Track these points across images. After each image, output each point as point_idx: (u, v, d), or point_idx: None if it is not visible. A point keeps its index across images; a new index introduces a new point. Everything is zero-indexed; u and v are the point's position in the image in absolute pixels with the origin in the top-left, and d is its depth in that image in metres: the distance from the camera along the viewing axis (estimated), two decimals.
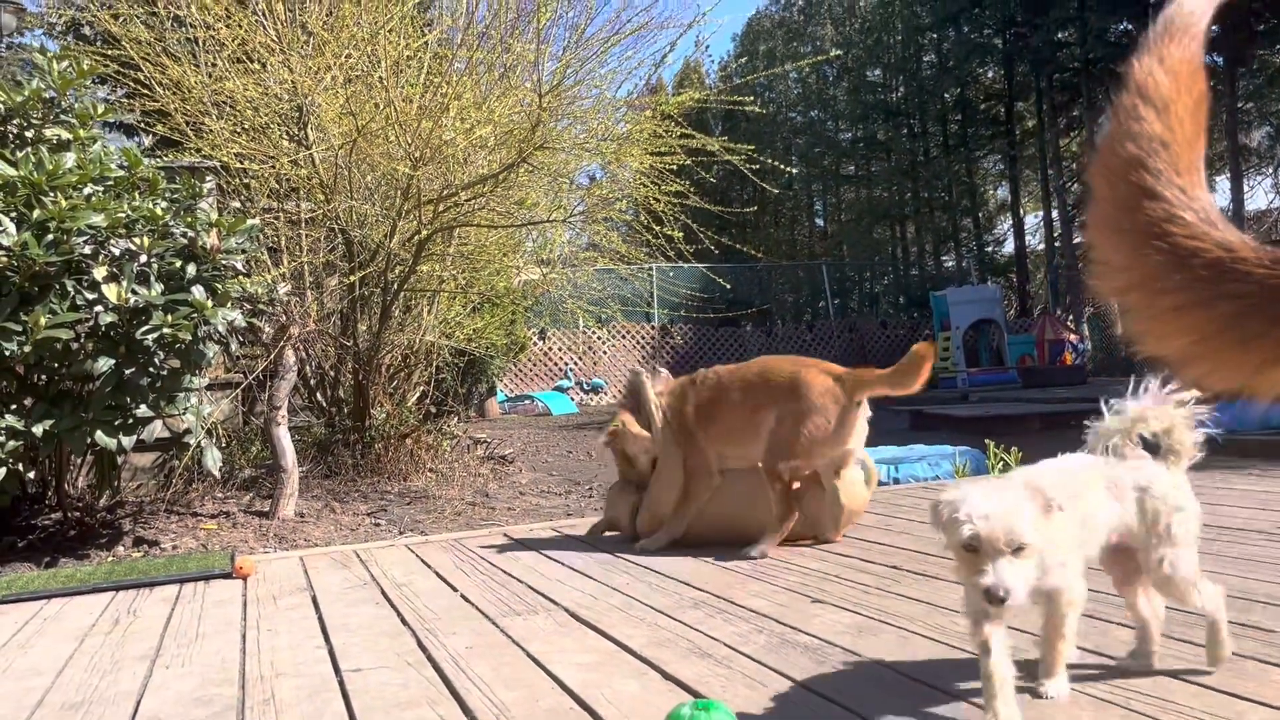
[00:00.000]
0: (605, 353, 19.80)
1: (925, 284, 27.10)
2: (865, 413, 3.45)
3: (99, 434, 4.00)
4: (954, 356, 18.31)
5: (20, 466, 3.94)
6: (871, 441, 8.32)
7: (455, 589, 3.10)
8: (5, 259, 3.80)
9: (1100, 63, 21.78)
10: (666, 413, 3.71)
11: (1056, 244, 25.54)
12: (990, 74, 28.22)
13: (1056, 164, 24.69)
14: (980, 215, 30.61)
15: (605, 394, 18.99)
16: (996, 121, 27.87)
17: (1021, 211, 28.07)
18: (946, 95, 28.76)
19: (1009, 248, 29.78)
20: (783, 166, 7.64)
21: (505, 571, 3.35)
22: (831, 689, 1.93)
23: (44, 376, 4.14)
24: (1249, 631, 2.18)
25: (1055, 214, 25.37)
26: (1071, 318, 21.94)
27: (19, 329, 3.77)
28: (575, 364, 19.51)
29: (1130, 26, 20.99)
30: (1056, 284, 25.00)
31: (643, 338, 20.06)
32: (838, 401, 3.35)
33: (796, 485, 3.50)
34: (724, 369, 3.75)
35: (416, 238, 6.02)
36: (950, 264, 30.88)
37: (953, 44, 27.30)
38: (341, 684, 2.16)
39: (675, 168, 6.65)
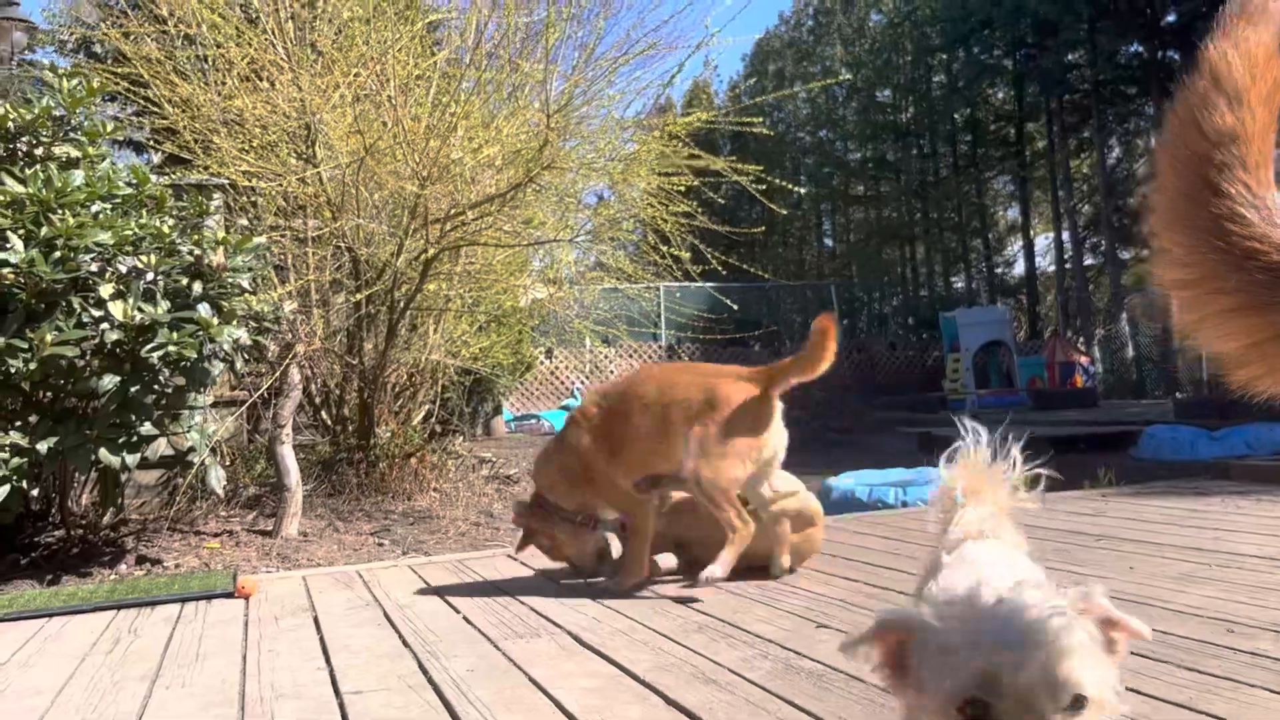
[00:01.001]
0: (613, 372, 19.79)
1: (934, 305, 27.08)
2: (779, 408, 3.26)
3: (103, 452, 3.99)
4: (963, 378, 18.26)
5: (24, 484, 3.93)
6: (880, 463, 8.31)
7: (457, 610, 3.08)
8: (12, 276, 3.81)
9: (1110, 85, 21.82)
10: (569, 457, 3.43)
11: (1067, 265, 25.50)
12: (1000, 95, 28.29)
13: (1067, 185, 24.69)
14: (990, 236, 30.62)
15: None
16: (1006, 142, 27.91)
17: (1032, 233, 28.07)
18: (956, 116, 28.81)
19: (1019, 269, 29.77)
20: (790, 186, 7.63)
21: (508, 593, 3.33)
22: (834, 715, 1.90)
23: (49, 394, 4.13)
24: (1257, 660, 2.14)
25: (1066, 235, 25.35)
26: (1082, 340, 21.88)
27: (25, 346, 3.77)
28: (582, 383, 19.49)
29: (1140, 49, 21.03)
30: (1067, 306, 24.95)
31: (649, 357, 20.04)
32: (757, 405, 3.18)
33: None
34: (610, 393, 3.48)
35: (423, 256, 6.02)
36: (960, 285, 30.86)
37: (962, 65, 27.36)
38: (341, 706, 2.13)
39: (683, 188, 6.65)
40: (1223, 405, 10.40)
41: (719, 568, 3.03)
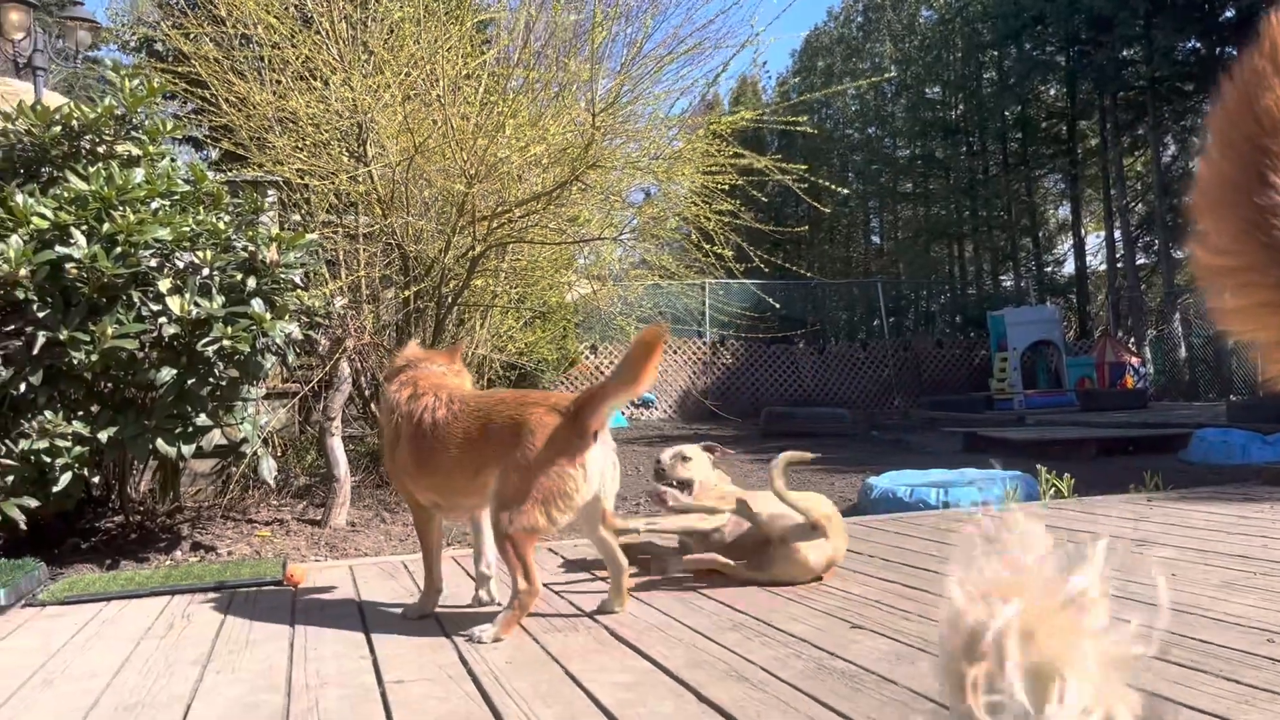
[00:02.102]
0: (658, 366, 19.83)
1: (982, 304, 26.75)
2: (608, 443, 2.85)
3: (160, 441, 4.12)
4: (1010, 378, 18.05)
5: (85, 471, 4.07)
6: (923, 464, 8.25)
7: (499, 603, 3.15)
8: (76, 270, 3.94)
9: (1167, 81, 21.40)
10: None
11: (1119, 265, 25.08)
12: (1052, 92, 27.84)
13: (1120, 184, 24.26)
14: (1040, 235, 30.17)
15: (655, 409, 19.01)
16: (1058, 140, 27.48)
17: (1083, 232, 27.62)
18: (1007, 113, 28.39)
19: (1069, 268, 29.32)
20: (834, 186, 7.62)
21: (548, 586, 3.39)
22: (865, 717, 1.94)
23: (110, 385, 4.27)
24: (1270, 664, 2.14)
25: (1118, 234, 24.92)
26: (1133, 340, 21.52)
27: (87, 338, 3.91)
28: None
29: (1197, 45, 20.61)
30: (1118, 305, 24.55)
31: (693, 354, 20.07)
32: (569, 442, 2.73)
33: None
34: (448, 399, 2.98)
35: (470, 253, 6.11)
36: (1008, 284, 30.44)
37: (1014, 61, 26.96)
38: (384, 695, 2.21)
39: (726, 186, 6.68)
40: (1279, 408, 10.20)
41: (493, 629, 2.68)
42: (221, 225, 4.34)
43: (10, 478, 3.92)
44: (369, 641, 2.71)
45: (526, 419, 2.77)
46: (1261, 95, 0.82)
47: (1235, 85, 0.85)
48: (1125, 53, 22.67)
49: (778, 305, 9.33)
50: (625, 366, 2.79)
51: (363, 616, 3.04)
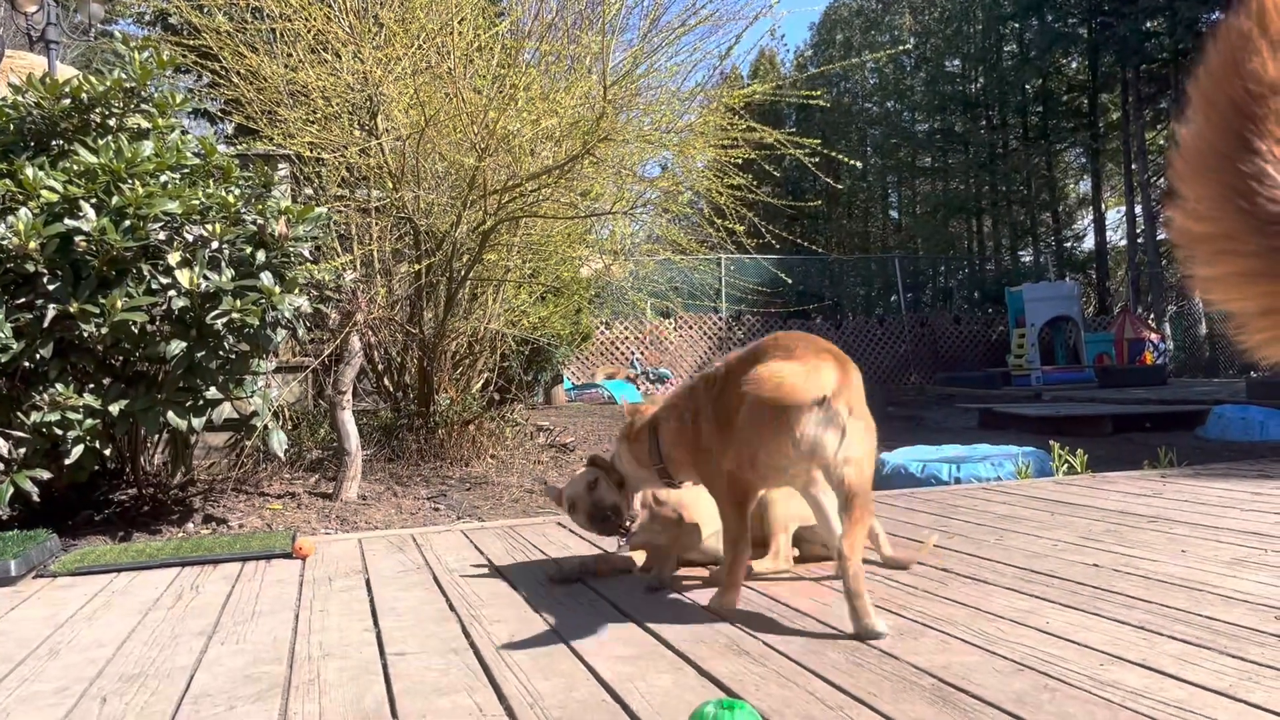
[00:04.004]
0: (672, 342, 19.83)
1: (1001, 279, 26.59)
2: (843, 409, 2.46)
3: (171, 414, 4.14)
4: (1028, 354, 17.95)
5: (98, 444, 4.10)
6: (937, 439, 8.21)
7: (504, 576, 3.15)
8: (85, 244, 3.95)
9: (1190, 53, 21.09)
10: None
11: (1139, 240, 24.84)
12: (1074, 64, 27.52)
13: (1141, 158, 23.99)
14: (1060, 210, 29.93)
15: (671, 383, 19.02)
16: (1079, 113, 27.19)
17: (1103, 206, 27.37)
18: (1027, 86, 28.12)
19: (1089, 243, 29.06)
20: (849, 161, 7.55)
21: (555, 560, 3.39)
22: (864, 692, 1.93)
23: (120, 358, 4.29)
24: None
25: (1139, 209, 24.67)
26: (1153, 316, 21.34)
27: (97, 311, 3.92)
28: (641, 354, 19.56)
29: (1222, 16, 20.30)
30: (1138, 281, 24.33)
31: (709, 328, 20.03)
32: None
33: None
34: (733, 358, 2.73)
35: (482, 227, 6.10)
36: (1027, 259, 30.24)
37: (1035, 33, 26.66)
38: (385, 668, 2.21)
39: (739, 161, 6.63)
40: None
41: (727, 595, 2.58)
42: (231, 199, 4.34)
43: (23, 450, 3.95)
44: (374, 614, 2.72)
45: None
46: (1247, 58, 0.81)
47: (1220, 48, 0.83)
48: (1148, 24, 22.37)
49: (792, 281, 9.31)
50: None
51: (370, 590, 3.05)
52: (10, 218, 3.88)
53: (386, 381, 7.07)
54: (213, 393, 4.32)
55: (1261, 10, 0.81)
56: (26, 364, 3.97)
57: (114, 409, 4.03)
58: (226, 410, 4.42)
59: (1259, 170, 0.81)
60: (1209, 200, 0.85)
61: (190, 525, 4.64)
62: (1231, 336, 0.88)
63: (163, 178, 4.35)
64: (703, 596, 2.75)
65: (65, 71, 7.44)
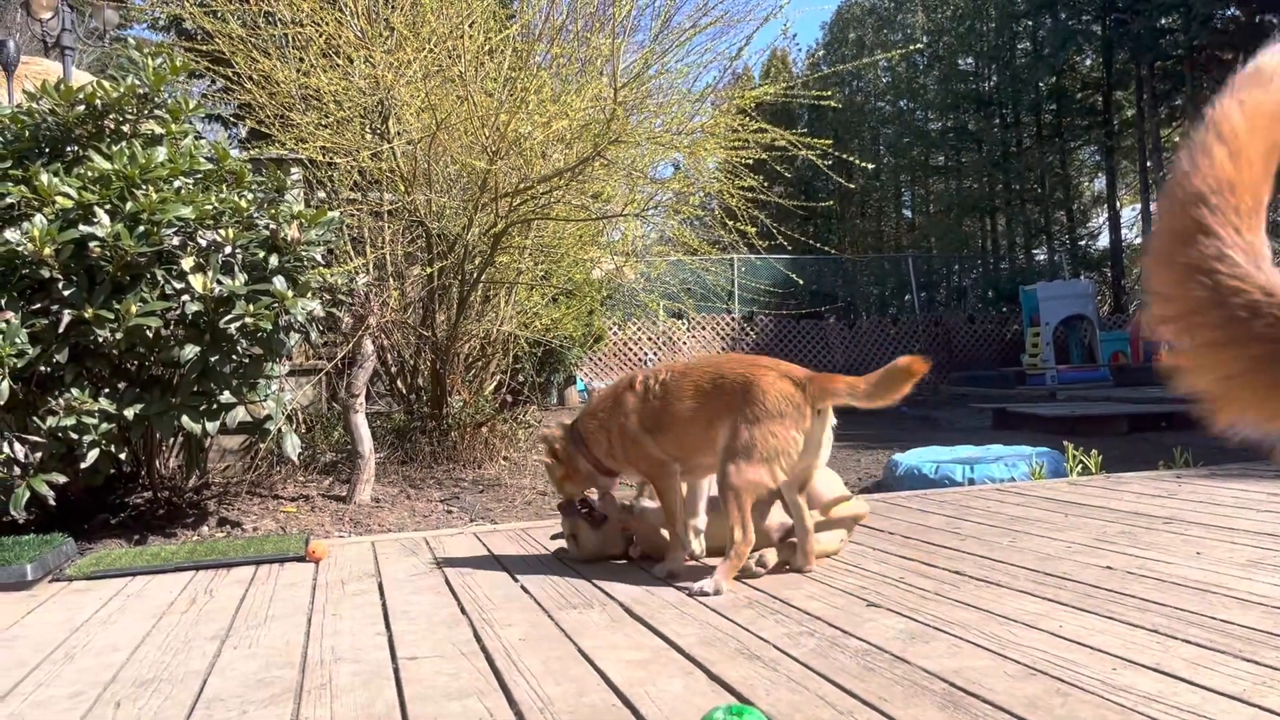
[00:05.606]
0: (685, 343, 19.81)
1: (1015, 278, 26.41)
2: (830, 423, 3.04)
3: (185, 418, 4.17)
4: (1043, 353, 17.85)
5: (113, 448, 4.13)
6: (950, 440, 8.18)
7: (516, 579, 3.16)
8: (99, 249, 3.98)
9: (1205, 50, 20.97)
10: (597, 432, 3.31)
11: None
12: (1088, 62, 27.34)
13: (1156, 155, 23.83)
14: (1074, 208, 29.73)
15: None
16: (1093, 111, 27.01)
17: (1118, 204, 27.18)
18: (1041, 84, 27.92)
19: (1103, 241, 28.88)
20: (860, 161, 7.53)
21: (566, 563, 3.40)
22: (875, 696, 1.92)
23: (135, 362, 4.32)
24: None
25: (1154, 207, 24.50)
26: None
27: (112, 316, 3.95)
28: (654, 355, 19.54)
29: (1237, 12, 20.15)
30: None
31: (723, 329, 20.01)
32: (799, 409, 2.93)
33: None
34: (676, 368, 3.24)
35: (493, 230, 6.11)
36: (1042, 258, 30.06)
37: (1049, 31, 26.49)
38: (396, 672, 2.22)
39: (752, 161, 6.62)
40: None
41: (714, 580, 2.88)
42: (244, 203, 4.36)
43: (39, 454, 3.98)
44: (386, 618, 2.73)
45: (756, 380, 2.97)
46: (1207, 160, 0.92)
47: (1184, 154, 0.95)
48: (1163, 20, 22.21)
49: (805, 281, 9.31)
50: (880, 382, 2.90)
51: (382, 593, 3.06)
52: (25, 224, 3.91)
53: (399, 384, 7.10)
54: (226, 396, 4.34)
55: (1218, 124, 0.92)
56: (42, 369, 4.00)
57: (129, 413, 4.06)
58: (240, 414, 4.44)
59: (1219, 251, 0.89)
60: (1173, 282, 0.93)
61: (205, 528, 4.67)
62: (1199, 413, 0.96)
63: (176, 183, 4.38)
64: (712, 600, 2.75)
65: (80, 77, 7.49)
